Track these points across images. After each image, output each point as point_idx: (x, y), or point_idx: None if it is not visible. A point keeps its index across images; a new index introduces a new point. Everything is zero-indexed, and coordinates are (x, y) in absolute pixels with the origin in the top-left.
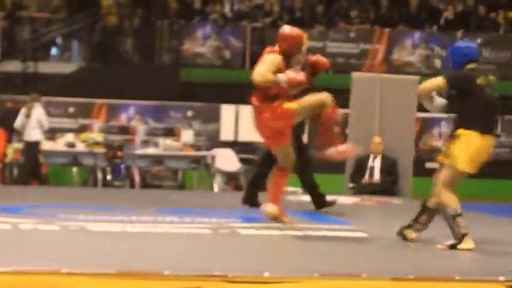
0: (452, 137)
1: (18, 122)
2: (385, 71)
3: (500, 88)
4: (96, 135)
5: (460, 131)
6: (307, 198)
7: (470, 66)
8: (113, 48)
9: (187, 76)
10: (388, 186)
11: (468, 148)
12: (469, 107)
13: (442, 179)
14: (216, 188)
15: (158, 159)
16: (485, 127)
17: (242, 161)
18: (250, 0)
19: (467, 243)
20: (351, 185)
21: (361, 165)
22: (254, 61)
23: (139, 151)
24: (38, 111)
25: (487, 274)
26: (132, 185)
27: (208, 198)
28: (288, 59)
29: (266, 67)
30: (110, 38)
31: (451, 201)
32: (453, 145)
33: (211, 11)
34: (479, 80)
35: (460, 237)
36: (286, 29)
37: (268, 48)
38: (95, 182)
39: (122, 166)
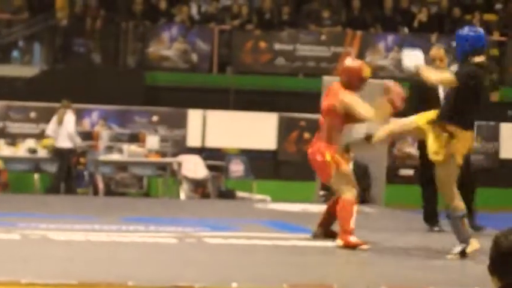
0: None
1: (49, 129)
2: None
3: None
4: None
5: (453, 128)
6: (276, 206)
7: (478, 59)
8: (76, 51)
9: (152, 80)
10: (360, 193)
11: (462, 144)
12: (466, 103)
13: (442, 179)
14: (182, 196)
15: (122, 166)
16: (470, 123)
17: (209, 167)
18: (218, 1)
19: (473, 244)
20: (321, 192)
21: None
22: (221, 65)
23: (103, 157)
24: (67, 119)
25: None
26: (96, 193)
27: (174, 206)
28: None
29: (363, 105)
30: (72, 40)
31: (457, 202)
32: (447, 141)
33: (178, 12)
34: (486, 82)
35: (467, 240)
36: (347, 62)
37: (335, 84)
38: (58, 189)
39: (85, 173)
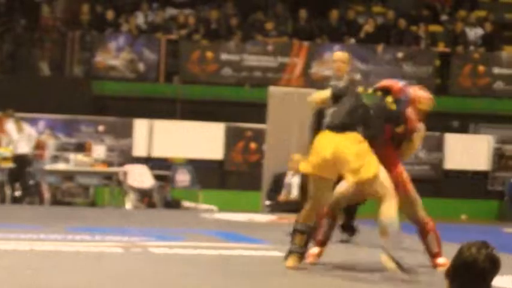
0: None
1: (14, 137)
2: (303, 85)
3: None
4: (4, 150)
5: None
6: (222, 216)
7: None
8: (22, 60)
9: (99, 89)
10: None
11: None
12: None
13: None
14: (128, 205)
15: (69, 175)
16: (329, 125)
17: (156, 177)
18: (164, 11)
19: (288, 261)
20: (268, 202)
21: (278, 182)
22: (168, 74)
23: (49, 166)
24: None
25: None
26: (42, 202)
27: (120, 216)
28: None
29: None
30: (19, 49)
31: (300, 215)
32: None
33: (125, 22)
34: (360, 89)
35: (287, 254)
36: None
37: None
38: (3, 199)
39: (31, 182)
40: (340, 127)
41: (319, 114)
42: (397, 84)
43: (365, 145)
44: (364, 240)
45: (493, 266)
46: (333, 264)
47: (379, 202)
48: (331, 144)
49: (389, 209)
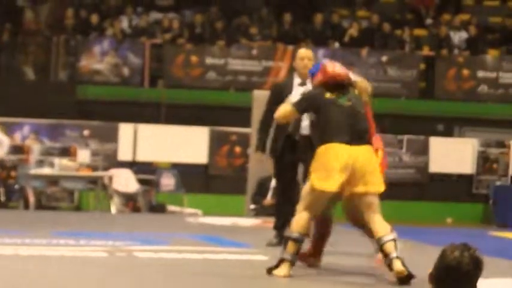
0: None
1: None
2: None
3: (406, 107)
4: None
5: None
6: (207, 220)
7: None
8: (6, 64)
9: (84, 94)
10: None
11: (320, 164)
12: (324, 121)
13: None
14: (113, 210)
15: (53, 180)
16: (338, 137)
17: (140, 181)
18: (149, 15)
19: (281, 270)
20: (252, 206)
21: (263, 185)
22: (153, 78)
23: (34, 171)
24: None
25: None
26: (26, 206)
27: (105, 220)
28: None
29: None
30: (3, 53)
31: (295, 223)
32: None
33: (109, 26)
34: (328, 95)
35: (279, 262)
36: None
37: None
38: None
39: (16, 187)
40: (354, 141)
41: (272, 112)
42: (340, 71)
43: (377, 158)
44: (348, 244)
45: (476, 268)
46: (318, 267)
47: (368, 217)
48: (349, 156)
49: (383, 224)
